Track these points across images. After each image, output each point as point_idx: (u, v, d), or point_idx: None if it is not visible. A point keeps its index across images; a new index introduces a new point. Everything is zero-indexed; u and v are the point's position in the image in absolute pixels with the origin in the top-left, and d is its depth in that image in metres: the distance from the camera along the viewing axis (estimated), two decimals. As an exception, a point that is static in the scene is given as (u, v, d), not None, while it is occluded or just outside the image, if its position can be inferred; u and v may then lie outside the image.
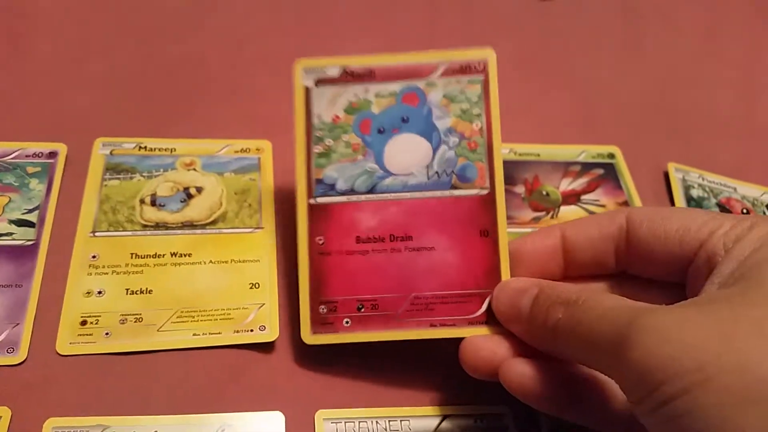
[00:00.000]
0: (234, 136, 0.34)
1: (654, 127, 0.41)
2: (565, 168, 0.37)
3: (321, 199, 0.26)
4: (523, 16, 0.45)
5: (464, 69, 0.27)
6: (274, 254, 0.29)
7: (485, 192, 0.27)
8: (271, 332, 0.27)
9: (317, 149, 0.26)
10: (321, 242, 0.26)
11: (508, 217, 0.33)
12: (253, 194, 0.31)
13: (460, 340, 0.26)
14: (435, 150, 0.27)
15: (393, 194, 0.26)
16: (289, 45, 0.39)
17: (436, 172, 0.27)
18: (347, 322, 0.26)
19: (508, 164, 0.36)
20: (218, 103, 0.35)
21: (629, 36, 0.46)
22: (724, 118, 0.43)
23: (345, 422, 0.26)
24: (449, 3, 0.45)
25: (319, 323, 0.26)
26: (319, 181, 0.26)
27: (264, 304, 0.27)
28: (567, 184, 0.36)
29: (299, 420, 0.25)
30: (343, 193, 0.26)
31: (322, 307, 0.26)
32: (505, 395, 0.25)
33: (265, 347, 0.27)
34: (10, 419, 0.24)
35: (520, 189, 0.36)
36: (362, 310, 0.26)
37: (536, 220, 0.34)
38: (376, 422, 0.26)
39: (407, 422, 0.26)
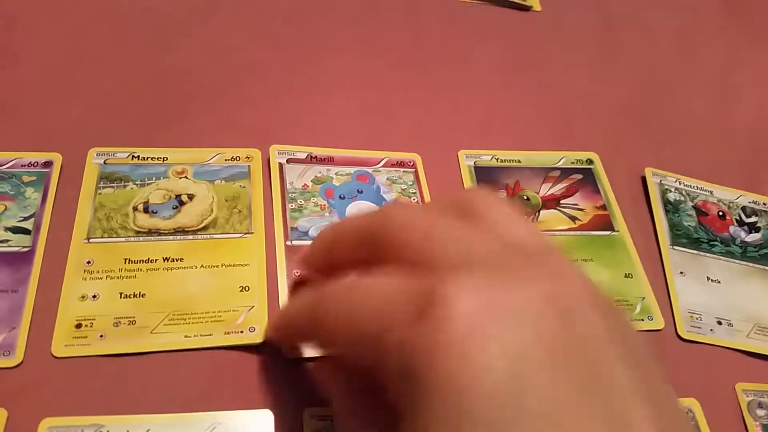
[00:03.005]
0: (225, 144, 0.35)
1: (632, 133, 0.42)
2: (545, 173, 0.38)
3: (296, 242, 0.31)
4: (503, 27, 0.47)
5: (399, 164, 0.36)
6: (264, 258, 0.30)
7: None
8: (261, 333, 0.28)
9: (291, 206, 0.32)
10: (297, 274, 0.30)
11: (491, 221, 0.35)
12: (243, 201, 0.32)
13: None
14: None
15: None
16: (278, 55, 0.40)
17: None
18: None
19: (490, 170, 0.38)
20: (209, 113, 0.36)
21: (607, 44, 0.48)
22: (701, 122, 0.44)
23: (332, 420, 0.26)
24: (431, 14, 0.46)
25: None
26: (294, 229, 0.32)
27: (253, 306, 0.28)
28: (547, 189, 0.38)
29: (287, 418, 0.26)
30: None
31: None
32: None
33: (255, 348, 0.28)
34: (6, 420, 0.25)
35: (501, 194, 0.37)
36: None
37: (518, 223, 0.36)
38: (362, 419, 0.27)
39: (392, 419, 0.27)
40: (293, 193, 0.33)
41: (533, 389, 0.15)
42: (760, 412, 0.31)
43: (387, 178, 0.35)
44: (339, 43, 0.42)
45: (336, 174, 0.34)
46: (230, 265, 0.29)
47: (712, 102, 0.46)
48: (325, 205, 0.33)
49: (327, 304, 0.20)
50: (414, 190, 0.35)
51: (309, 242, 0.31)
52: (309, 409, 0.27)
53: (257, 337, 0.28)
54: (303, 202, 0.33)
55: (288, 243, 0.31)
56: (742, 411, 0.31)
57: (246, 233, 0.31)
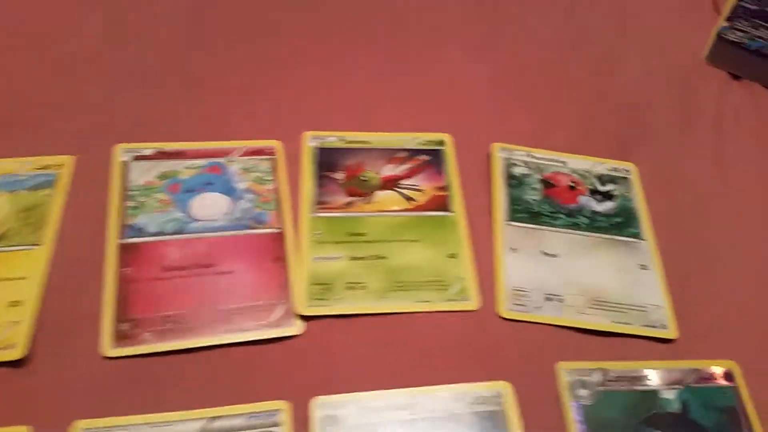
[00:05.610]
0: (41, 152, 0.34)
1: (498, 110, 0.40)
2: (391, 154, 0.37)
3: (130, 240, 0.31)
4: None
5: (258, 152, 0.35)
6: (45, 271, 0.29)
7: (277, 230, 0.33)
8: (19, 350, 0.27)
9: (130, 203, 0.32)
10: (129, 272, 0.30)
11: (323, 203, 0.34)
12: (40, 211, 0.31)
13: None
14: (236, 202, 0.33)
15: (199, 234, 0.32)
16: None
17: (237, 218, 0.33)
18: (149, 336, 0.29)
19: (334, 152, 0.36)
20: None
21: (482, 19, 0.45)
22: (580, 94, 0.42)
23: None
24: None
25: (120, 338, 0.28)
26: (130, 227, 0.32)
27: (20, 321, 0.28)
28: (390, 170, 0.36)
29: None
30: (152, 235, 0.31)
31: (124, 324, 0.29)
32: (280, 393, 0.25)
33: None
34: None
35: (339, 175, 0.36)
36: (166, 325, 0.29)
37: (349, 204, 0.34)
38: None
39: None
40: (134, 191, 0.33)
41: None
42: (582, 392, 0.30)
43: (242, 168, 0.35)
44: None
45: (185, 168, 0.34)
46: (5, 279, 0.29)
47: (595, 74, 0.43)
48: (168, 200, 0.33)
49: None
50: (270, 178, 0.35)
51: (144, 239, 0.31)
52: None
53: (12, 354, 0.27)
54: (144, 199, 0.33)
55: (121, 241, 0.31)
56: (559, 392, 0.29)
57: (33, 245, 0.30)
